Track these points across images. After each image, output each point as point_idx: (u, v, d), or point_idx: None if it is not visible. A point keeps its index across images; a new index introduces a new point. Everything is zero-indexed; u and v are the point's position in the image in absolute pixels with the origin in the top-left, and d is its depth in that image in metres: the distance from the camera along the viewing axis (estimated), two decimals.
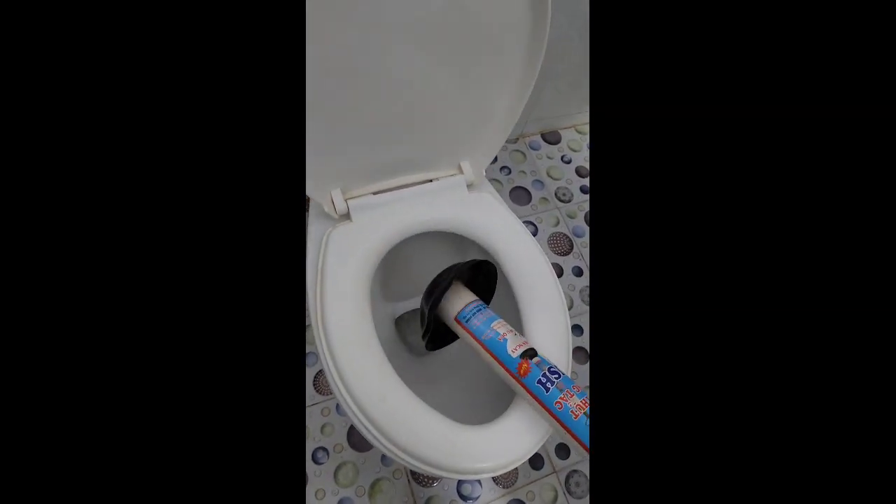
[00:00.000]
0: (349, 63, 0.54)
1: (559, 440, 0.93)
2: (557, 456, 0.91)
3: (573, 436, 0.48)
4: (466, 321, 0.59)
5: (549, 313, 0.63)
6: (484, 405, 0.71)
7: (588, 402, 0.49)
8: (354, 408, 0.55)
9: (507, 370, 0.54)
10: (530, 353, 0.54)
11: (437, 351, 0.82)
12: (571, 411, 0.48)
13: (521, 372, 0.52)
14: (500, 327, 0.57)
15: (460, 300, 0.61)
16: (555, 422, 0.50)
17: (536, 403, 0.52)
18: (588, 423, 0.47)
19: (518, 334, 0.57)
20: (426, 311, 0.60)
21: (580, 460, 0.90)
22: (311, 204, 0.69)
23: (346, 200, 0.65)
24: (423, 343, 0.88)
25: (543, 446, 0.91)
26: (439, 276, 0.62)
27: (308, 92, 0.54)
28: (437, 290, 0.60)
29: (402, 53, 0.55)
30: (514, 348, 0.55)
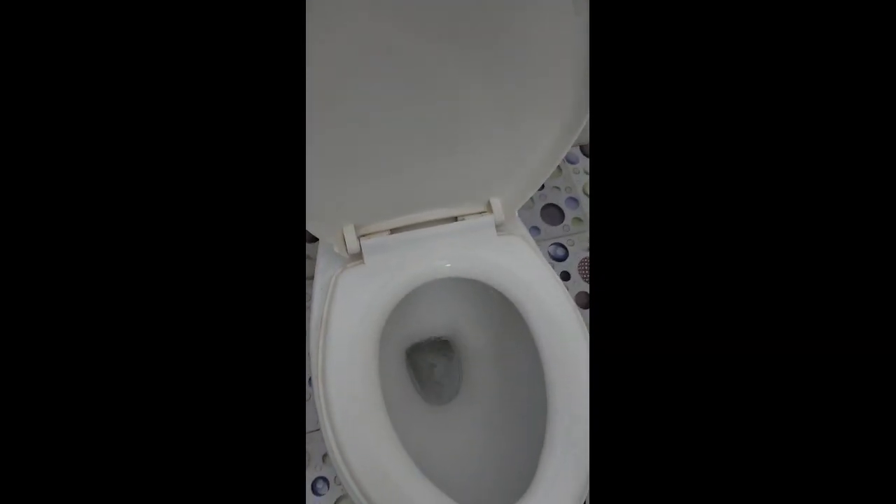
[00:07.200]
0: (368, 67, 0.45)
1: None
2: None
3: None
4: None
5: (578, 382, 0.55)
6: (504, 456, 0.65)
7: None
8: (353, 485, 0.49)
9: None
10: None
11: (451, 394, 0.76)
12: None
13: None
14: None
15: None
16: None
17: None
18: None
19: None
20: None
21: None
22: (321, 241, 0.62)
23: (358, 239, 0.58)
24: (434, 381, 0.81)
25: None
26: None
27: (315, 103, 0.46)
28: None
29: (434, 60, 0.47)
30: None
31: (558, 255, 1.02)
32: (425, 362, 0.79)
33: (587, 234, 1.06)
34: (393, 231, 0.60)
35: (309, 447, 0.85)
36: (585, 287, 1.01)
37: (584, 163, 1.15)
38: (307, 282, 0.94)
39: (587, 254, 1.04)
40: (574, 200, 1.09)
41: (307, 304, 0.67)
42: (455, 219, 0.62)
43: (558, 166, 1.13)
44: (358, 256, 0.59)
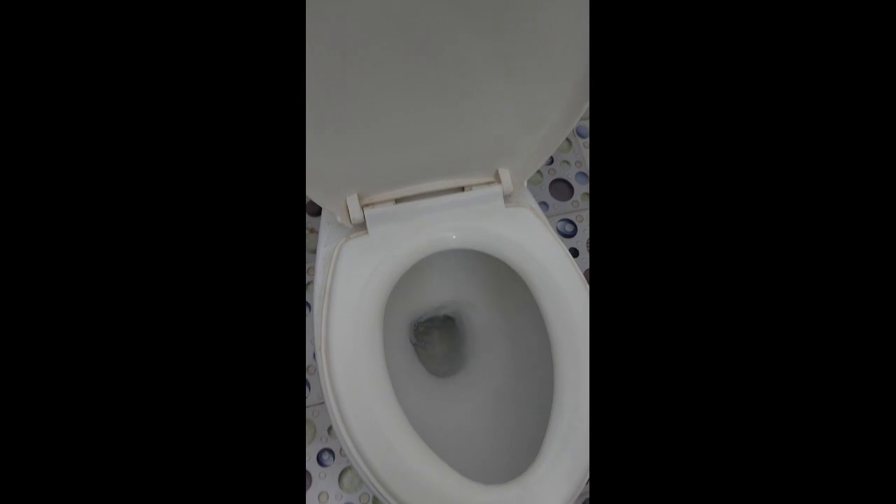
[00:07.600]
0: (375, 35, 0.44)
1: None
2: None
3: None
4: None
5: (585, 356, 0.54)
6: (509, 431, 0.65)
7: None
8: (357, 457, 0.49)
9: None
10: None
11: (457, 368, 0.75)
12: None
13: None
14: None
15: None
16: None
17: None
18: None
19: None
20: None
21: None
22: (324, 211, 0.61)
23: (362, 208, 0.57)
24: (440, 354, 0.80)
25: None
26: None
27: (319, 71, 0.45)
28: None
29: (443, 29, 0.45)
30: None
31: (567, 232, 1.01)
32: (431, 335, 0.79)
33: None
34: (398, 201, 0.58)
35: (314, 419, 0.85)
36: None
37: None
38: (311, 255, 0.93)
39: None
40: (584, 175, 1.07)
41: (311, 276, 0.65)
42: (462, 189, 0.60)
43: (568, 140, 1.10)
44: (361, 227, 0.58)
